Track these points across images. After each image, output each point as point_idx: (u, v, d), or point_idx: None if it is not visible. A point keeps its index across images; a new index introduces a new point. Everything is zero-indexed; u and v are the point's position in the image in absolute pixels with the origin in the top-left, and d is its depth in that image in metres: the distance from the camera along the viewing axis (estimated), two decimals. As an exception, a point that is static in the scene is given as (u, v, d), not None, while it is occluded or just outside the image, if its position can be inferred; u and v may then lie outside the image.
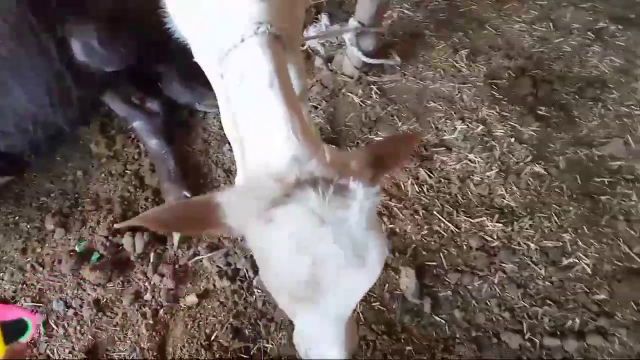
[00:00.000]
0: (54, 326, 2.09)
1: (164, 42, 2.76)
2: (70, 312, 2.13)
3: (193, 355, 2.02)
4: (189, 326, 2.10)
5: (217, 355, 2.02)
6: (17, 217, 2.44)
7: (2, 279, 2.24)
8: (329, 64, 3.03)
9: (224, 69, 1.26)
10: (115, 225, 2.30)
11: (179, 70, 2.77)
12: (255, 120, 1.17)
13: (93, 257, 2.27)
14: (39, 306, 2.14)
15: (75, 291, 2.19)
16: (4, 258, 2.31)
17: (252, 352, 2.03)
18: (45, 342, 2.05)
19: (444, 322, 2.14)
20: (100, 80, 2.62)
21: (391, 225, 2.42)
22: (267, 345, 2.05)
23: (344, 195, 1.03)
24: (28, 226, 2.41)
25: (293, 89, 1.24)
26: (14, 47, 2.30)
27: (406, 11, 3.51)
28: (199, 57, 1.69)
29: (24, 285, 2.21)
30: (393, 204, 2.49)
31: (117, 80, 2.68)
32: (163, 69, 2.79)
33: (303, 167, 1.05)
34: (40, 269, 2.25)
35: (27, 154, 2.51)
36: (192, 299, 2.17)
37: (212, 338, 2.07)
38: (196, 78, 2.70)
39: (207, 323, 2.11)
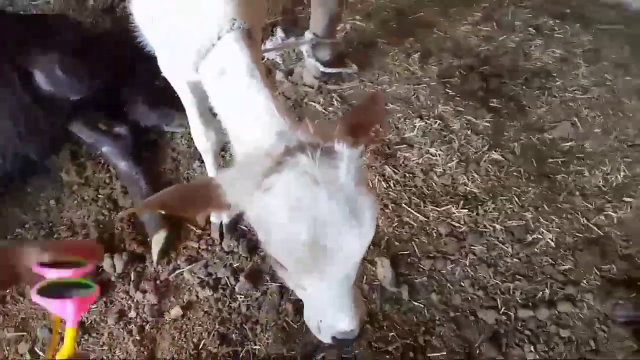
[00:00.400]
0: (40, 353, 2.08)
1: (127, 67, 2.86)
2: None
3: (183, 365, 2.05)
4: (176, 338, 2.13)
5: (206, 362, 2.05)
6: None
7: (-19, 313, 2.22)
8: (290, 77, 3.14)
9: (202, 70, 1.34)
10: (120, 214, 2.49)
11: (143, 94, 2.84)
12: (239, 108, 1.26)
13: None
14: (23, 335, 2.13)
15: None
16: (-19, 292, 2.29)
17: (240, 355, 2.07)
18: (33, 370, 2.04)
19: (422, 306, 2.23)
20: (67, 109, 2.67)
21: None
22: (255, 347, 2.09)
23: (332, 157, 1.10)
24: (3, 259, 2.40)
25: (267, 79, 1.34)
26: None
27: (358, 22, 3.68)
28: (167, 70, 1.76)
29: (6, 317, 2.19)
30: (363, 202, 2.58)
31: (83, 108, 2.72)
32: (128, 94, 2.85)
33: (290, 137, 1.13)
34: (21, 298, 2.24)
35: (-3, 187, 2.52)
36: (176, 311, 2.20)
37: (200, 346, 2.10)
38: (161, 99, 2.79)
39: (193, 333, 2.14)
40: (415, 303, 2.24)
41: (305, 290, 1.29)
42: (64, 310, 1.01)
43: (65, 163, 2.74)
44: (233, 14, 1.34)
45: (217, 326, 2.15)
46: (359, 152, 1.13)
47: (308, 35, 2.91)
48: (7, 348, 2.08)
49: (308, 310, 1.38)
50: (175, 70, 1.73)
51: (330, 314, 1.27)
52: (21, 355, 2.07)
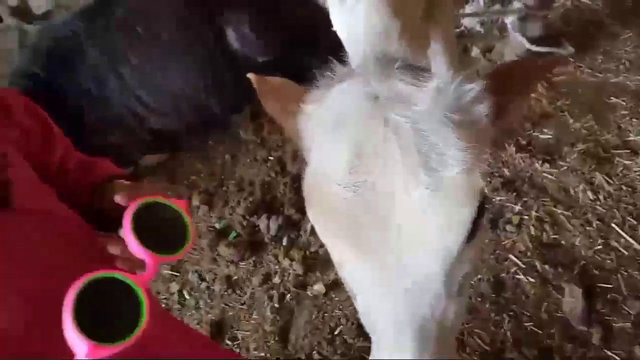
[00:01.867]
0: (186, 296, 2.14)
1: (312, 35, 2.80)
2: (204, 285, 2.18)
3: (315, 347, 1.90)
4: (313, 316, 1.99)
5: (339, 351, 1.87)
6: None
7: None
8: (488, 54, 2.73)
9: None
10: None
11: (324, 62, 2.74)
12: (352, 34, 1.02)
13: (230, 235, 2.31)
14: (176, 275, 2.22)
15: (210, 265, 2.23)
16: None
17: (377, 354, 1.83)
18: (178, 311, 2.10)
19: (618, 359, 1.71)
20: (254, 69, 2.70)
21: (555, 236, 2.04)
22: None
23: (420, 79, 0.77)
24: (176, 201, 2.55)
25: (416, 10, 1.05)
26: (175, 33, 2.47)
27: (583, -2, 3.05)
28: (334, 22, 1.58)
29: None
30: (559, 211, 2.10)
31: (268, 70, 2.73)
32: (309, 62, 2.79)
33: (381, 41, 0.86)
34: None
35: (182, 136, 2.67)
36: (319, 287, 2.07)
37: (336, 332, 1.93)
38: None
39: (332, 316, 1.98)
40: (609, 353, 1.72)
41: (349, 279, 0.86)
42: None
43: (244, 121, 2.80)
44: None
45: (357, 315, 1.94)
46: (477, 88, 0.76)
47: (517, 4, 2.46)
48: (161, 284, 2.18)
49: (362, 316, 0.87)
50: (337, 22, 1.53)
51: (375, 330, 0.80)
52: (171, 293, 2.15)
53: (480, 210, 0.74)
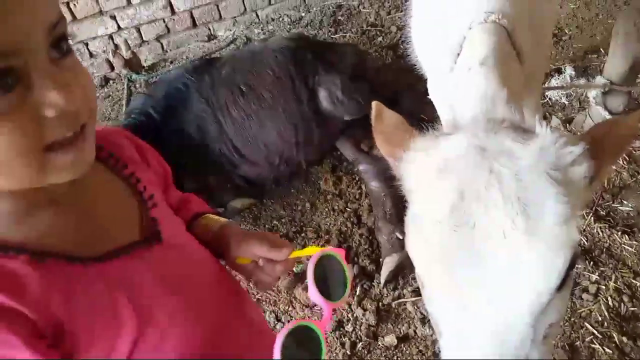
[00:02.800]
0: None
1: (393, 98, 3.00)
2: (279, 325, 2.30)
3: (384, 397, 1.95)
4: (384, 366, 2.05)
5: (408, 403, 1.91)
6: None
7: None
8: (568, 125, 2.79)
9: (454, 70, 1.26)
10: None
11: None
12: (461, 99, 1.11)
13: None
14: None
15: (286, 307, 2.36)
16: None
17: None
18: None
19: None
20: (338, 127, 2.93)
21: (633, 308, 2.01)
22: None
23: (527, 138, 0.85)
24: (259, 244, 2.73)
25: (518, 82, 1.16)
26: (275, 92, 2.75)
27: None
28: (433, 91, 1.74)
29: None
30: (638, 284, 2.08)
31: (351, 128, 2.95)
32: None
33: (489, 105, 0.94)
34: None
35: (269, 183, 2.89)
36: (391, 339, 2.13)
37: (406, 384, 1.97)
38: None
39: (402, 367, 2.03)
40: None
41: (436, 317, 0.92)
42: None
43: (325, 174, 2.98)
44: (489, 8, 1.22)
45: (428, 369, 1.99)
46: (579, 149, 0.83)
47: (601, 79, 2.54)
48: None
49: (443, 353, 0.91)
50: (438, 89, 1.69)
51: None
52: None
53: (573, 261, 0.80)
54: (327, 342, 0.79)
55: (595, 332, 1.96)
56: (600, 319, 1.99)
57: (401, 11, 4.04)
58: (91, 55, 4.11)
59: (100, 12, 3.93)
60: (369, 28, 4.08)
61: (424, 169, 0.91)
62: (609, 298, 2.04)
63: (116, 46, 4.09)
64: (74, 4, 3.78)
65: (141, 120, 2.68)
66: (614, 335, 1.93)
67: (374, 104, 1.06)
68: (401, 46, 3.79)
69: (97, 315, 0.71)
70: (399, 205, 2.63)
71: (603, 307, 2.02)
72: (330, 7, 4.40)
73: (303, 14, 4.38)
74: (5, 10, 0.57)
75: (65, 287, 0.69)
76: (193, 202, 1.10)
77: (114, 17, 4.00)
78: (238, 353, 0.90)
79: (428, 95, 1.84)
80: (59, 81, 0.63)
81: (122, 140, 0.94)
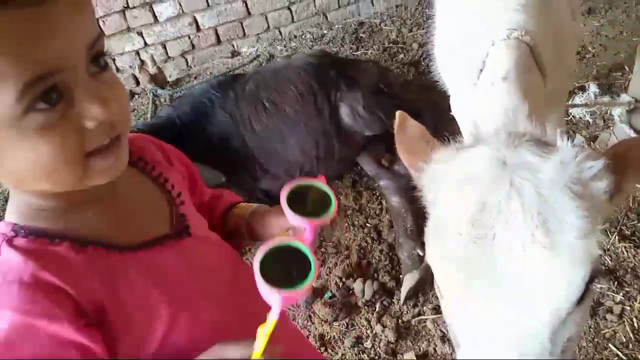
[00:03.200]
0: (283, 348, 2.27)
1: (417, 113, 3.01)
2: (299, 339, 2.30)
3: (403, 415, 1.93)
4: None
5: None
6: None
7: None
8: (592, 143, 2.77)
9: (477, 85, 1.27)
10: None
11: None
12: (483, 112, 1.13)
13: (326, 294, 2.43)
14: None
15: (305, 322, 2.36)
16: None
17: None
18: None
19: None
20: (359, 142, 2.95)
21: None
22: None
23: (547, 151, 0.85)
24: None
25: (539, 97, 1.16)
26: (297, 107, 2.79)
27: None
28: (456, 108, 1.75)
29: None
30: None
31: (372, 144, 2.96)
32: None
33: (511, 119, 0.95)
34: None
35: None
36: (410, 357, 2.11)
37: (425, 402, 1.95)
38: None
39: (422, 385, 2.01)
40: None
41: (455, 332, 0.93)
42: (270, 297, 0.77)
43: (345, 189, 3.00)
44: (512, 25, 1.24)
45: (448, 388, 1.97)
46: (600, 164, 0.83)
47: (625, 97, 2.52)
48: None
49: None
50: (461, 104, 1.70)
51: None
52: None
53: (593, 276, 0.81)
54: (315, 259, 0.76)
55: (620, 353, 1.92)
56: (624, 340, 1.95)
57: (423, 29, 4.08)
58: (117, 70, 4.23)
59: (128, 29, 4.06)
60: (390, 45, 4.13)
61: (444, 181, 0.93)
62: (634, 319, 1.99)
63: (142, 61, 4.20)
64: (104, 21, 3.91)
65: (167, 125, 2.74)
66: (639, 357, 1.88)
67: (397, 113, 1.08)
68: (423, 63, 3.82)
69: (135, 299, 0.76)
70: (420, 221, 2.63)
71: (628, 328, 1.98)
72: (352, 25, 4.46)
73: (325, 31, 4.45)
74: (50, 35, 0.63)
75: (106, 272, 0.75)
76: (226, 194, 1.18)
77: (140, 34, 4.12)
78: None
79: (450, 111, 1.85)
80: (98, 95, 0.68)
81: (147, 143, 1.00)
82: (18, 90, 0.61)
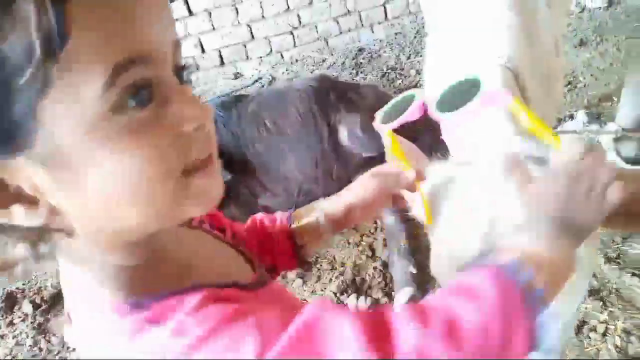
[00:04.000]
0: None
1: (412, 138, 3.13)
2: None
3: None
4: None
5: None
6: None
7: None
8: (579, 168, 2.87)
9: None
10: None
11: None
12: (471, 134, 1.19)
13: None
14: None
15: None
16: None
17: None
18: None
19: None
20: (357, 163, 3.05)
21: (642, 351, 2.04)
22: None
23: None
24: (276, 274, 2.83)
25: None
26: (297, 127, 2.90)
27: (682, 124, 3.14)
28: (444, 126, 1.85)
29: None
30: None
31: (369, 164, 3.05)
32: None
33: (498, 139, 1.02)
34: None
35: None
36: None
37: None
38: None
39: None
40: None
41: None
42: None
43: (342, 207, 3.08)
44: (499, 52, 1.32)
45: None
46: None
47: (613, 125, 2.63)
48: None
49: None
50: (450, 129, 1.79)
51: None
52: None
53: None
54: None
55: (604, 371, 1.99)
56: (608, 357, 2.02)
57: (420, 56, 4.23)
58: (125, 88, 4.35)
59: (137, 49, 4.19)
60: (388, 71, 4.27)
61: (431, 196, 1.01)
62: (617, 338, 2.06)
63: (149, 81, 4.32)
64: (113, 41, 4.05)
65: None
66: (621, 374, 1.95)
67: (386, 132, 1.13)
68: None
69: None
70: (414, 240, 2.72)
71: (612, 347, 2.05)
72: (353, 51, 4.61)
73: (326, 56, 4.60)
74: (145, 14, 0.54)
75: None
76: (264, 219, 1.12)
77: (149, 54, 4.25)
78: None
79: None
80: (192, 98, 0.60)
81: None
82: (108, 76, 0.50)
